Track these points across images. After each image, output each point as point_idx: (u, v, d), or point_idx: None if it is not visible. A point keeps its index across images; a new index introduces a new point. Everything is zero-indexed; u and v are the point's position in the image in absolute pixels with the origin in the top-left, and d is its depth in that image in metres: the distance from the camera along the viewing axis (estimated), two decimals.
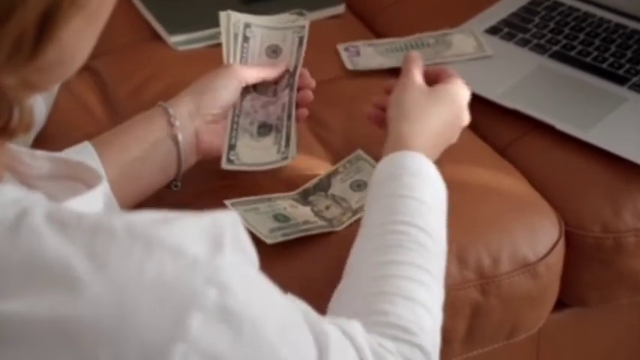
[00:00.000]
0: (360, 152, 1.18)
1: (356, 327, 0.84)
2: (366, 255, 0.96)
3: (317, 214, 1.11)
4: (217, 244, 0.66)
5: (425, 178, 1.01)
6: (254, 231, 1.06)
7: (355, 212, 1.11)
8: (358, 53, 1.39)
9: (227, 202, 1.09)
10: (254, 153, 1.12)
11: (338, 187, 1.14)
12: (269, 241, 1.05)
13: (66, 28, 0.65)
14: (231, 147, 1.11)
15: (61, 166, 0.78)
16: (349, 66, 1.36)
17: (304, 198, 1.13)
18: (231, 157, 1.11)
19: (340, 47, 1.40)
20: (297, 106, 1.16)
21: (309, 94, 1.16)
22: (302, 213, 1.10)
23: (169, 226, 0.66)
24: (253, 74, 1.15)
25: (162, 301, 0.64)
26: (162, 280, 0.64)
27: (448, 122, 1.11)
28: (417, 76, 1.13)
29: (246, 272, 0.69)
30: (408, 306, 0.90)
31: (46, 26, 0.64)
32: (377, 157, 1.15)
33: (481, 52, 1.39)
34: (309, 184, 1.15)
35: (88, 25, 0.68)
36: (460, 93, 1.13)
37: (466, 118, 1.15)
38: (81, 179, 0.78)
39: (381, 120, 1.14)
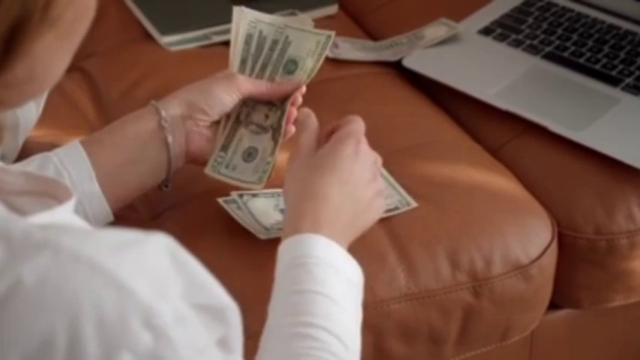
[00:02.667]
0: None
1: None
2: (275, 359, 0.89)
3: None
4: (161, 288, 0.64)
5: (337, 270, 0.92)
6: (247, 227, 1.05)
7: None
8: (336, 45, 1.40)
9: (233, 193, 1.08)
10: (236, 168, 1.10)
11: None
12: (262, 237, 1.04)
13: (35, 45, 0.64)
14: (219, 155, 1.10)
15: (34, 182, 0.77)
16: (329, 54, 1.36)
17: None
18: (216, 165, 1.10)
19: None
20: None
21: (293, 112, 1.10)
22: None
23: (118, 257, 0.63)
24: (254, 89, 1.09)
25: (97, 329, 0.62)
26: (100, 310, 0.62)
27: (349, 187, 0.98)
28: (304, 148, 1.02)
29: (191, 329, 0.65)
30: None
31: (13, 41, 0.63)
32: None
33: (452, 31, 1.40)
34: None
35: (61, 43, 0.66)
36: (344, 148, 0.99)
37: (375, 183, 1.01)
38: (53, 195, 0.76)
39: None
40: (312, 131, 1.03)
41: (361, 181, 1.00)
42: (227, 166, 1.09)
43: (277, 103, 1.11)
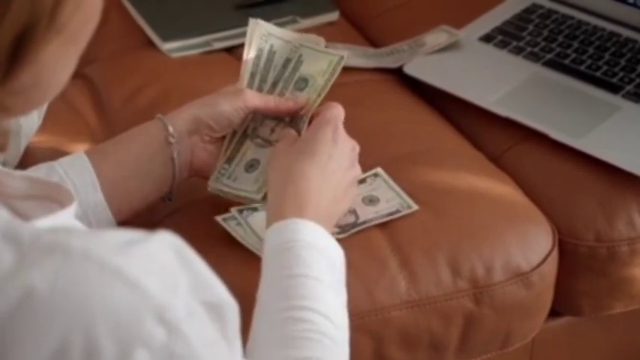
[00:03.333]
0: (378, 170, 1.16)
1: None
2: (265, 346, 0.91)
3: None
4: (171, 283, 0.65)
5: (318, 250, 0.94)
6: (247, 245, 1.05)
7: (364, 223, 1.10)
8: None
9: (233, 209, 1.08)
10: (237, 179, 1.10)
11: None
12: (261, 254, 1.04)
13: (42, 52, 0.64)
14: (223, 167, 1.10)
15: (37, 186, 0.77)
16: None
17: None
18: (219, 176, 1.09)
19: None
20: None
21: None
22: None
23: (129, 254, 0.64)
24: (261, 104, 1.09)
25: (112, 328, 0.62)
26: (114, 309, 0.62)
27: (328, 171, 1.00)
28: (288, 134, 1.05)
29: (201, 323, 0.66)
30: None
31: (21, 49, 0.63)
32: (373, 165, 1.16)
33: (453, 38, 1.40)
34: None
35: (66, 49, 0.67)
36: (322, 134, 1.02)
37: (340, 163, 1.02)
38: (56, 199, 0.77)
39: None
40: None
41: (340, 168, 1.02)
42: (229, 177, 1.09)
43: (285, 118, 1.11)
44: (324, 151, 1.01)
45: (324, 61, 1.11)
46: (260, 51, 1.12)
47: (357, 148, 1.06)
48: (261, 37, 1.12)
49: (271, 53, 1.12)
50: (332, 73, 1.10)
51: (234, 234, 1.07)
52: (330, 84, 1.09)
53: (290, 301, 0.91)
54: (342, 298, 0.95)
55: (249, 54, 1.11)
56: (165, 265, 0.65)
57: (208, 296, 0.68)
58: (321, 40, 1.13)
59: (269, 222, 0.97)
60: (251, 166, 1.09)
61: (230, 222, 1.08)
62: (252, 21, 1.12)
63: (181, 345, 0.65)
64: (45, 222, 0.70)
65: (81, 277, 0.63)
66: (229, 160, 1.10)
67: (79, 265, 0.63)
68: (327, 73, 1.10)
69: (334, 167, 1.01)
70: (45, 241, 0.64)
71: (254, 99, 1.08)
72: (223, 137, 1.10)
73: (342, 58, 1.11)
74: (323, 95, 1.09)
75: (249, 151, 1.10)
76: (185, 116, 1.07)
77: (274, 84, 1.12)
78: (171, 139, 1.06)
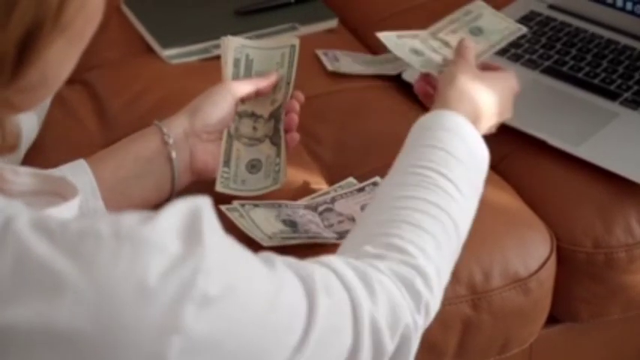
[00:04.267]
0: (377, 179, 1.17)
1: (333, 259, 0.84)
2: (381, 192, 0.95)
3: (328, 226, 1.10)
4: (197, 232, 0.67)
5: (459, 135, 0.99)
6: (250, 234, 1.06)
7: None
8: (337, 59, 1.41)
9: (235, 202, 1.09)
10: (245, 181, 1.12)
11: (344, 205, 1.14)
12: (265, 244, 1.05)
13: (48, 50, 0.65)
14: (224, 171, 1.11)
15: (42, 181, 0.78)
16: (329, 67, 1.38)
17: (314, 209, 1.13)
18: (224, 180, 1.11)
19: (319, 52, 1.41)
20: (286, 131, 1.14)
21: (294, 119, 1.14)
22: (312, 222, 1.10)
23: (152, 223, 0.66)
24: (247, 88, 1.13)
25: (152, 298, 0.64)
26: (152, 279, 0.64)
27: (495, 103, 1.09)
28: (471, 59, 1.12)
29: (227, 252, 0.70)
30: (413, 230, 0.89)
31: (27, 49, 0.64)
32: (372, 172, 1.16)
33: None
34: (318, 197, 1.14)
35: (71, 46, 0.68)
36: (508, 84, 1.12)
37: (509, 109, 1.13)
38: (60, 194, 0.78)
39: (425, 92, 1.16)
40: (473, 57, 1.13)
41: (505, 109, 1.11)
42: (235, 181, 1.11)
43: (263, 114, 1.14)
44: (503, 90, 1.10)
45: (276, 55, 1.16)
46: (237, 61, 1.15)
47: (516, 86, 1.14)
48: (235, 50, 1.15)
49: (249, 61, 1.16)
50: (290, 62, 1.15)
51: (237, 223, 1.08)
52: (293, 71, 1.15)
53: (416, 161, 0.96)
54: (473, 177, 0.99)
55: (227, 67, 1.15)
56: (185, 218, 0.67)
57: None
58: (296, 41, 1.17)
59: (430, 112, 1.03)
60: (253, 166, 1.12)
61: (233, 213, 1.09)
62: (223, 38, 1.16)
63: (219, 287, 0.67)
64: (51, 213, 0.71)
65: (115, 256, 0.64)
66: (226, 163, 1.11)
67: (112, 244, 0.64)
68: (286, 63, 1.15)
69: (503, 107, 1.10)
70: (73, 229, 0.65)
71: (241, 87, 1.12)
72: (222, 136, 1.12)
73: (293, 46, 1.16)
74: (293, 83, 1.14)
75: (242, 151, 1.13)
76: (179, 118, 1.10)
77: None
78: (167, 139, 1.07)
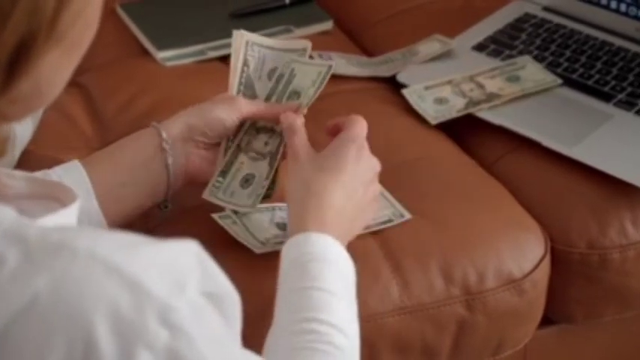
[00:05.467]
0: None
1: None
2: (279, 356, 0.91)
3: None
4: (179, 283, 0.64)
5: (331, 263, 0.95)
6: (243, 241, 1.06)
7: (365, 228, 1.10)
8: (331, 60, 1.41)
9: (228, 209, 1.09)
10: (234, 194, 1.11)
11: None
12: (258, 251, 1.05)
13: (41, 61, 0.64)
14: (217, 180, 1.10)
15: (38, 185, 0.78)
16: None
17: None
18: (214, 189, 1.09)
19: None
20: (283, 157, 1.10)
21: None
22: None
23: (133, 255, 0.64)
24: (254, 110, 1.09)
25: (113, 329, 0.62)
26: (115, 309, 0.62)
27: (350, 189, 1.01)
28: (301, 149, 1.03)
29: (206, 319, 0.66)
30: None
31: (20, 59, 0.63)
32: None
33: (446, 47, 1.42)
34: None
35: (67, 56, 0.67)
36: (347, 152, 1.01)
37: (367, 177, 1.03)
38: (57, 198, 0.77)
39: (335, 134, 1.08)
40: (302, 133, 1.05)
41: (362, 185, 1.02)
42: (224, 192, 1.09)
43: (277, 130, 1.11)
44: (347, 170, 1.01)
45: (313, 72, 1.12)
46: (247, 61, 1.12)
47: (379, 166, 1.05)
48: (246, 46, 1.12)
49: (259, 62, 1.13)
50: (321, 82, 1.11)
51: (229, 230, 1.07)
52: (318, 92, 1.10)
53: (301, 313, 0.91)
54: (353, 311, 0.95)
55: (237, 64, 1.12)
56: (169, 264, 0.65)
57: (213, 288, 0.67)
58: (308, 44, 1.14)
59: (291, 233, 0.97)
60: (246, 181, 1.10)
61: (226, 220, 1.08)
62: (235, 32, 1.13)
63: (185, 346, 0.64)
64: (48, 221, 0.70)
65: (85, 278, 0.62)
66: (223, 173, 1.10)
67: (84, 265, 0.63)
68: (317, 83, 1.11)
69: (356, 185, 1.01)
70: (51, 240, 0.64)
71: (247, 106, 1.09)
72: (218, 144, 1.10)
73: (330, 67, 1.12)
74: (310, 103, 1.10)
75: (245, 165, 1.11)
76: (179, 123, 1.08)
77: (267, 98, 1.12)
78: (165, 145, 1.06)
